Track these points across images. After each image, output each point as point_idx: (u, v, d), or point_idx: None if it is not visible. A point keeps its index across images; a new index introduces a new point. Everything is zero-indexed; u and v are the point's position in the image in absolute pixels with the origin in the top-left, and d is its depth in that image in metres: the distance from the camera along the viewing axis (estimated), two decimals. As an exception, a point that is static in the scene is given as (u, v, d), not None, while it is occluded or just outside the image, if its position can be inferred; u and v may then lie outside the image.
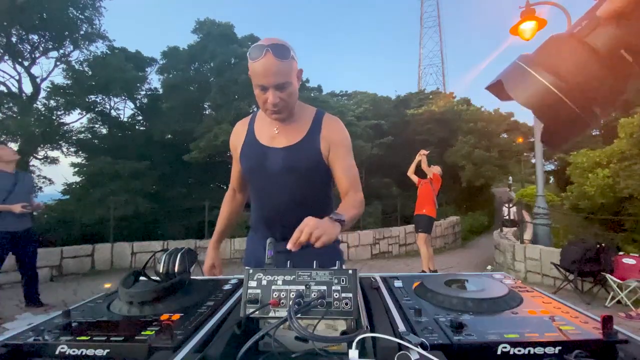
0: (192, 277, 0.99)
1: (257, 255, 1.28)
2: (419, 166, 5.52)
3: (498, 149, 16.58)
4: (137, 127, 12.65)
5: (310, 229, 0.86)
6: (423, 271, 5.13)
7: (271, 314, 0.67)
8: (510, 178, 22.35)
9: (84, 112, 11.06)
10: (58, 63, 10.38)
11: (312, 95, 13.12)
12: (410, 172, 5.58)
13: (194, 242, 6.99)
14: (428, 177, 5.44)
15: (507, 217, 8.25)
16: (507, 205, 8.80)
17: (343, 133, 1.22)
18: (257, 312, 0.67)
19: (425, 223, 5.33)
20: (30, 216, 3.75)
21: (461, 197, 16.71)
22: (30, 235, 3.75)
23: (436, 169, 5.55)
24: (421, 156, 5.44)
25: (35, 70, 14.81)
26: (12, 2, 8.30)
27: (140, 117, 12.73)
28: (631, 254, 4.16)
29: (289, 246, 0.86)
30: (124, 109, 12.62)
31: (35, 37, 9.88)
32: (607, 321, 0.62)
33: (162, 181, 10.77)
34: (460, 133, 16.39)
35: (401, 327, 0.69)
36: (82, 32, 10.32)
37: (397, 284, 0.97)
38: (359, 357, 0.53)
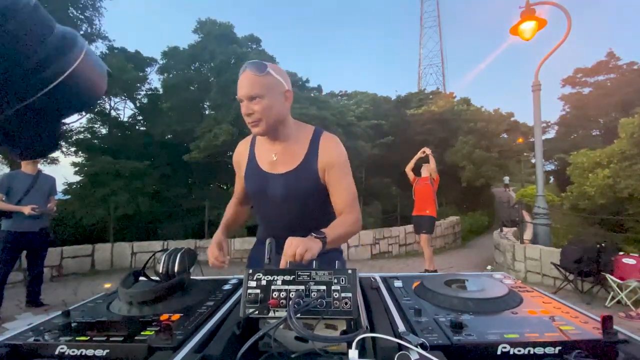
0: (192, 277, 0.99)
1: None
2: (418, 165, 5.59)
3: (498, 149, 16.57)
4: (137, 127, 12.64)
5: (294, 248, 0.92)
6: (426, 270, 5.16)
7: (271, 314, 0.67)
8: (507, 178, 22.27)
9: (83, 112, 11.07)
10: (58, 63, 10.39)
11: (312, 95, 13.11)
12: (409, 169, 5.62)
13: (194, 242, 6.98)
14: (430, 176, 5.46)
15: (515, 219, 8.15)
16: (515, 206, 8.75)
17: (339, 153, 1.23)
18: (256, 312, 0.67)
19: (429, 224, 5.39)
20: (45, 216, 3.78)
21: (461, 197, 16.71)
22: (44, 235, 3.80)
23: (427, 170, 5.63)
24: (424, 154, 5.51)
25: (35, 70, 14.79)
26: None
27: (140, 117, 12.73)
28: (631, 254, 4.15)
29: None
30: (124, 109, 12.63)
31: (35, 37, 9.88)
32: (607, 321, 0.61)
33: (162, 181, 10.77)
34: (460, 133, 16.39)
35: (401, 327, 0.69)
36: (82, 32, 10.31)
37: (397, 284, 0.97)
38: (359, 357, 0.52)
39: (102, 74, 0.52)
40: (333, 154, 1.22)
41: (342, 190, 1.21)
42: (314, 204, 1.24)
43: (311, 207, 1.24)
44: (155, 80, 15.92)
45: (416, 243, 5.93)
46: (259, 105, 1.12)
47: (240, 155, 1.34)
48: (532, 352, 0.60)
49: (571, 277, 4.43)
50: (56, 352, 0.64)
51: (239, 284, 1.03)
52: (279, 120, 1.17)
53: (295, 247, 0.92)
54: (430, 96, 20.91)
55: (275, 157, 1.22)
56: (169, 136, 11.83)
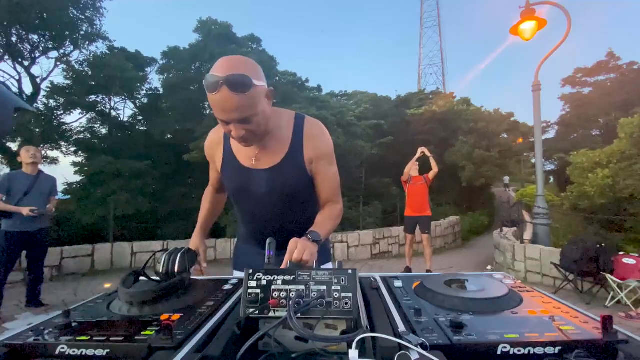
0: (192, 277, 0.99)
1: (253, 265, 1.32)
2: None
3: (498, 149, 16.58)
4: (137, 127, 12.62)
5: (299, 253, 0.91)
6: (429, 270, 5.22)
7: (271, 314, 0.67)
8: (507, 178, 22.24)
9: (84, 112, 11.06)
10: (58, 63, 10.37)
11: (312, 95, 13.09)
12: (408, 169, 5.68)
13: (194, 242, 6.96)
14: (425, 176, 5.54)
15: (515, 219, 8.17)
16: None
17: (326, 141, 1.15)
18: (256, 312, 0.67)
19: (429, 224, 5.56)
20: (46, 217, 3.78)
21: (461, 197, 16.71)
22: (43, 235, 3.80)
23: (417, 169, 5.69)
24: (422, 154, 5.58)
25: (35, 70, 14.81)
26: (12, 2, 8.29)
27: (140, 117, 12.71)
28: (631, 254, 4.15)
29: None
30: (124, 109, 12.61)
31: (35, 37, 9.86)
32: (607, 321, 0.61)
33: (162, 181, 10.76)
34: (461, 133, 16.40)
35: (401, 327, 0.69)
36: (82, 32, 10.31)
37: (397, 284, 0.97)
38: (359, 357, 0.52)
39: (6, 113, 0.46)
40: (321, 144, 1.13)
41: (330, 181, 1.17)
42: (301, 197, 1.17)
43: (298, 200, 1.17)
44: (155, 80, 15.91)
45: (416, 243, 5.98)
46: (252, 125, 0.97)
47: (213, 148, 1.23)
48: (532, 352, 0.60)
49: (571, 277, 4.43)
50: (56, 352, 0.64)
51: (239, 284, 1.03)
52: (267, 124, 1.04)
53: (301, 252, 0.92)
54: (431, 96, 20.92)
55: (258, 152, 1.11)
56: (169, 136, 11.81)
